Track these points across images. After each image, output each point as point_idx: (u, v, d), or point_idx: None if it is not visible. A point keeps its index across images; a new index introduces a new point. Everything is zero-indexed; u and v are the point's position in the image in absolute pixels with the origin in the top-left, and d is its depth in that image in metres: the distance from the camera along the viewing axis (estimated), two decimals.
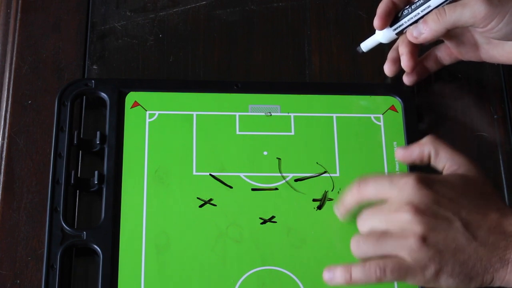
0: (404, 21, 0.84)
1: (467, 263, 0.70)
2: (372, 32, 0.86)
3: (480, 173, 0.75)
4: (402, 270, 0.71)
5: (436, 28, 0.81)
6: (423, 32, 0.82)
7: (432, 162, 0.77)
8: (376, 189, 0.74)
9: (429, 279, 0.71)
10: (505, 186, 0.85)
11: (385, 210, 0.73)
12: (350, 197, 0.77)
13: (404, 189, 0.72)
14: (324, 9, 0.94)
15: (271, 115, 0.87)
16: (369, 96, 0.88)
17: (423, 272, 0.70)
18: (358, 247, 0.73)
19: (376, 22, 0.84)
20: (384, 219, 0.72)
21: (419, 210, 0.71)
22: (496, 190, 0.75)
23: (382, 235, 0.72)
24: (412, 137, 0.86)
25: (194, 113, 0.86)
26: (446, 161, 0.76)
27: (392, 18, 0.85)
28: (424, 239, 0.70)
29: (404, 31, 0.85)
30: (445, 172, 0.76)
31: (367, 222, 0.74)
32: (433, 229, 0.70)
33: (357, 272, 0.72)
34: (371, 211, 0.74)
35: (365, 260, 0.72)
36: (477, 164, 0.76)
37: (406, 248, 0.71)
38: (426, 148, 0.77)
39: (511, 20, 0.79)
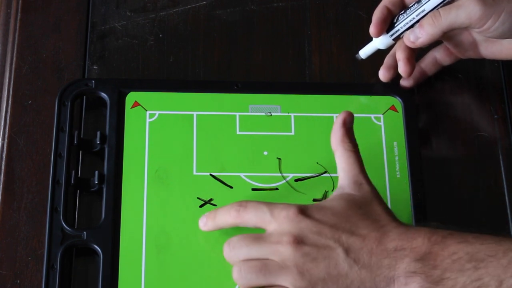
0: (400, 27, 0.84)
1: None
2: None
3: (368, 192, 0.75)
4: None
5: (433, 32, 0.81)
6: (419, 37, 0.82)
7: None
8: (256, 217, 0.74)
9: None
10: (505, 186, 0.85)
11: (265, 241, 0.73)
12: (226, 218, 0.76)
13: (284, 222, 0.72)
14: (324, 9, 0.94)
15: (271, 115, 0.87)
16: (369, 96, 0.88)
17: None
18: (240, 275, 0.73)
19: (372, 29, 0.84)
20: (263, 250, 0.72)
21: (299, 242, 0.71)
22: (383, 207, 0.74)
23: (264, 265, 0.72)
24: (412, 137, 0.86)
25: (194, 113, 0.86)
26: (340, 172, 0.77)
27: (388, 24, 0.84)
28: (304, 271, 0.71)
29: (401, 36, 0.85)
30: (339, 182, 0.77)
31: (242, 251, 0.73)
32: (313, 260, 0.71)
33: None
34: (247, 240, 0.74)
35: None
36: (365, 182, 0.75)
37: (288, 280, 0.71)
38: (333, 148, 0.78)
39: (507, 19, 0.79)
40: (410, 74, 0.86)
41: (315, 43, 0.92)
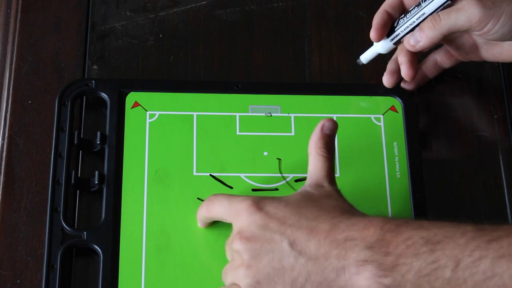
0: (401, 31, 0.84)
1: (298, 280, 0.69)
2: None
3: (327, 191, 0.74)
4: None
5: (433, 35, 0.81)
6: (420, 40, 0.82)
7: None
8: (219, 212, 0.76)
9: None
10: (505, 186, 0.85)
11: (228, 241, 0.74)
12: (203, 213, 0.78)
13: (237, 216, 0.73)
14: (324, 9, 0.94)
15: (271, 115, 0.87)
16: (369, 96, 0.88)
17: None
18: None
19: (372, 34, 0.84)
20: (228, 251, 0.74)
21: (245, 238, 0.71)
22: (339, 201, 0.74)
23: (227, 266, 0.73)
24: (412, 137, 0.86)
25: (195, 114, 0.86)
26: (308, 174, 0.76)
27: (388, 28, 0.84)
28: (248, 266, 0.70)
29: (402, 40, 0.85)
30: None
31: (227, 252, 0.75)
32: (256, 255, 0.70)
33: None
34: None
35: None
36: (328, 184, 0.75)
37: (237, 277, 0.71)
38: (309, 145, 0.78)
39: (507, 21, 0.79)
40: (413, 77, 0.85)
41: (315, 43, 0.92)
